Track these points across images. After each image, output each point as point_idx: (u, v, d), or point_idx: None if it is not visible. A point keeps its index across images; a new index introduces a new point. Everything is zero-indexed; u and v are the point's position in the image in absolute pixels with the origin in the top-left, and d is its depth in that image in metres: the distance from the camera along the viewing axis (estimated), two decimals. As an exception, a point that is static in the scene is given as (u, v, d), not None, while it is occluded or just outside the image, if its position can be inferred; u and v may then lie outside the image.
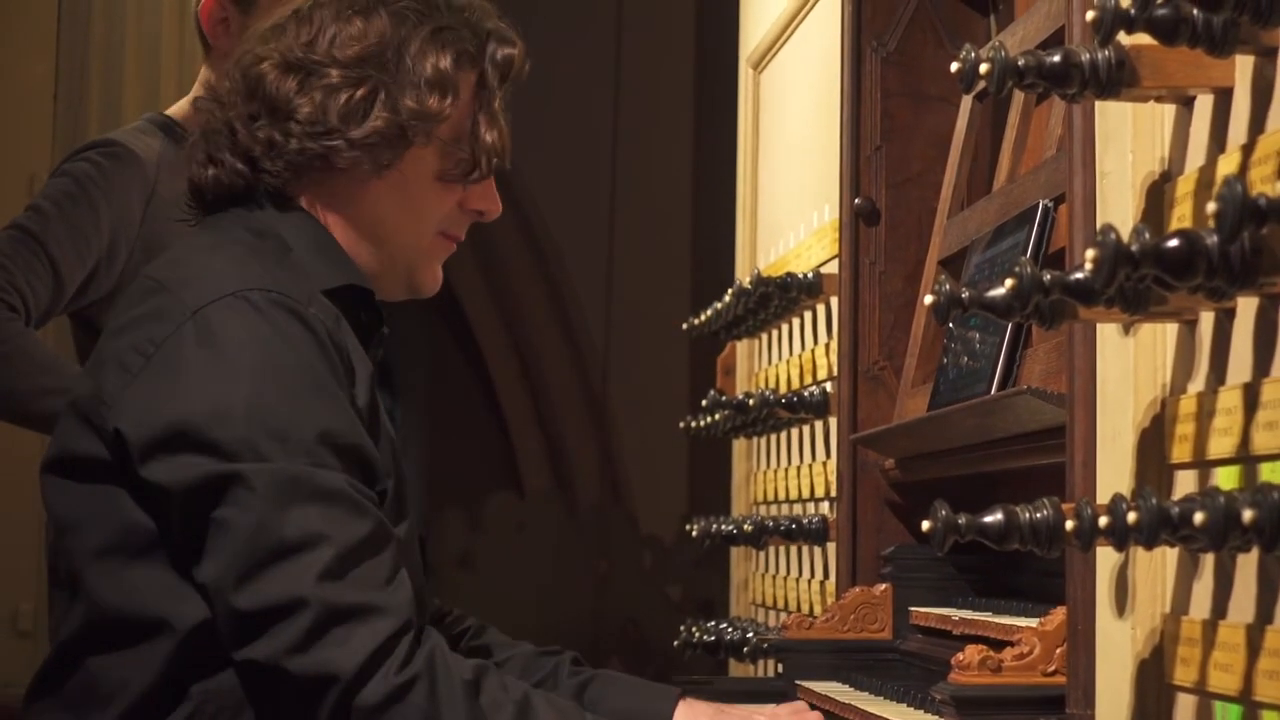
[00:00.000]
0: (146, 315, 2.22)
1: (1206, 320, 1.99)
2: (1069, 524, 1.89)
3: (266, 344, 2.13)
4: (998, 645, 2.49)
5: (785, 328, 4.14)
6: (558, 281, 10.90)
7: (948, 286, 2.00)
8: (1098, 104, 2.22)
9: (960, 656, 2.33)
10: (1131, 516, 1.71)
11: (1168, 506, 1.70)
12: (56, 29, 5.30)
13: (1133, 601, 2.11)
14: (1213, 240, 1.58)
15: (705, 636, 3.86)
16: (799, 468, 3.97)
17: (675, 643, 3.87)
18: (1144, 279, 1.68)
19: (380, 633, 2.07)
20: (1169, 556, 2.06)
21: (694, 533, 3.96)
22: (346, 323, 2.25)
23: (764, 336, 4.37)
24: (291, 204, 2.33)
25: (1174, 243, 1.59)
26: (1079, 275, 1.84)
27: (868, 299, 3.48)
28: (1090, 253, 1.65)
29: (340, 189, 2.34)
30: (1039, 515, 1.95)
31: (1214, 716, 1.94)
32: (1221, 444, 1.91)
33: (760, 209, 4.63)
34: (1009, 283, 1.90)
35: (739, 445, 4.65)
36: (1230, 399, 1.89)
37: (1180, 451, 2.01)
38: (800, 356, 3.98)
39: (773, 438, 4.24)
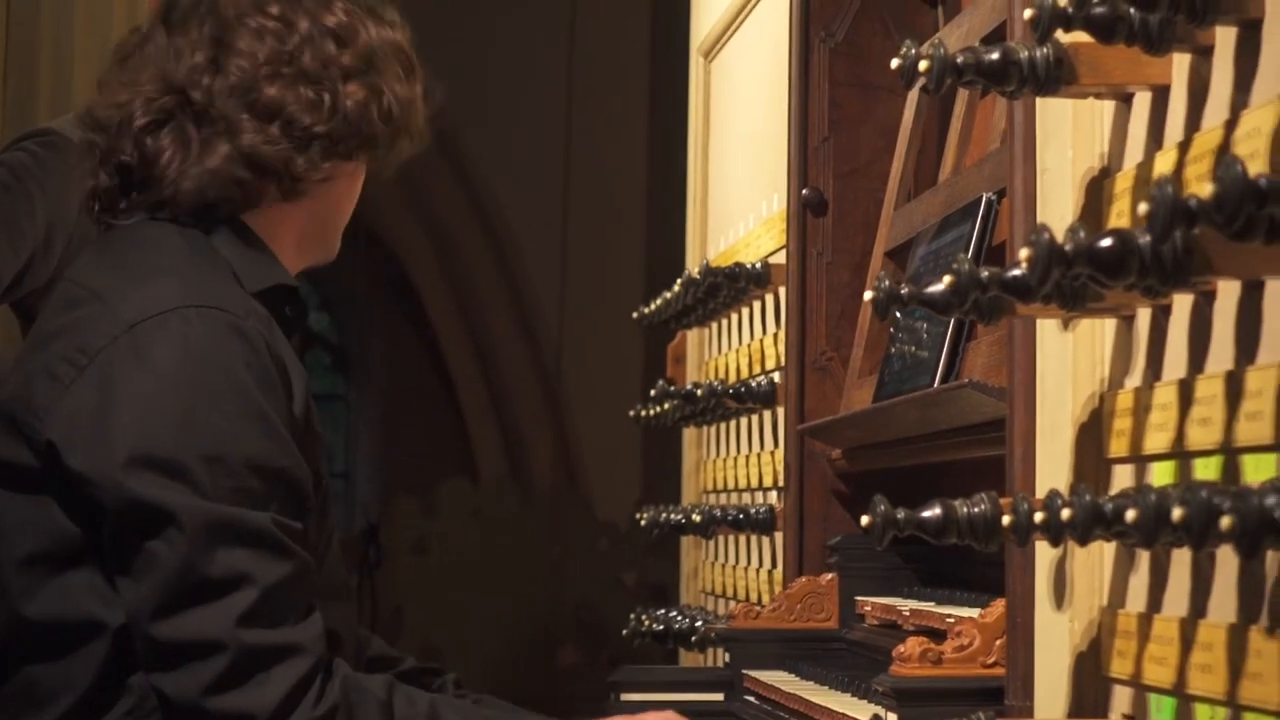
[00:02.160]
0: (78, 324, 2.19)
1: (1144, 316, 2.00)
2: (1005, 519, 1.90)
3: (202, 364, 2.11)
4: (941, 636, 2.50)
5: (735, 317, 4.15)
6: (513, 268, 10.90)
7: (887, 283, 2.01)
8: (1039, 100, 2.23)
9: (901, 648, 2.35)
10: (1065, 513, 1.73)
11: (1102, 503, 1.71)
12: (6, 19, 5.27)
13: (1071, 595, 2.13)
14: (1146, 239, 1.59)
15: (654, 625, 3.87)
16: (747, 457, 3.98)
17: (624, 631, 3.88)
18: (1079, 277, 1.69)
19: (297, 670, 2.07)
20: (1106, 551, 2.07)
21: (643, 521, 3.97)
22: (278, 326, 2.24)
23: (714, 326, 4.37)
24: (216, 211, 2.28)
25: (1107, 242, 1.60)
26: (1016, 273, 1.86)
27: (815, 289, 3.50)
28: (1024, 252, 1.66)
29: (265, 203, 2.32)
30: (976, 510, 1.96)
31: (1149, 708, 1.96)
32: (1157, 439, 1.93)
33: (711, 198, 4.64)
34: (947, 279, 1.91)
35: (689, 434, 4.66)
36: (1165, 395, 1.91)
37: (1118, 446, 2.03)
38: (749, 346, 3.98)
39: (722, 427, 4.25)
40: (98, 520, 2.12)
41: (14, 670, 2.18)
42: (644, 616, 3.98)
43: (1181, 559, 1.89)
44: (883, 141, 3.50)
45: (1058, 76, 1.93)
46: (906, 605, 2.94)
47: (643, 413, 4.24)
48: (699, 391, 3.79)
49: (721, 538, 4.24)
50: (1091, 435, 2.10)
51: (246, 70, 2.25)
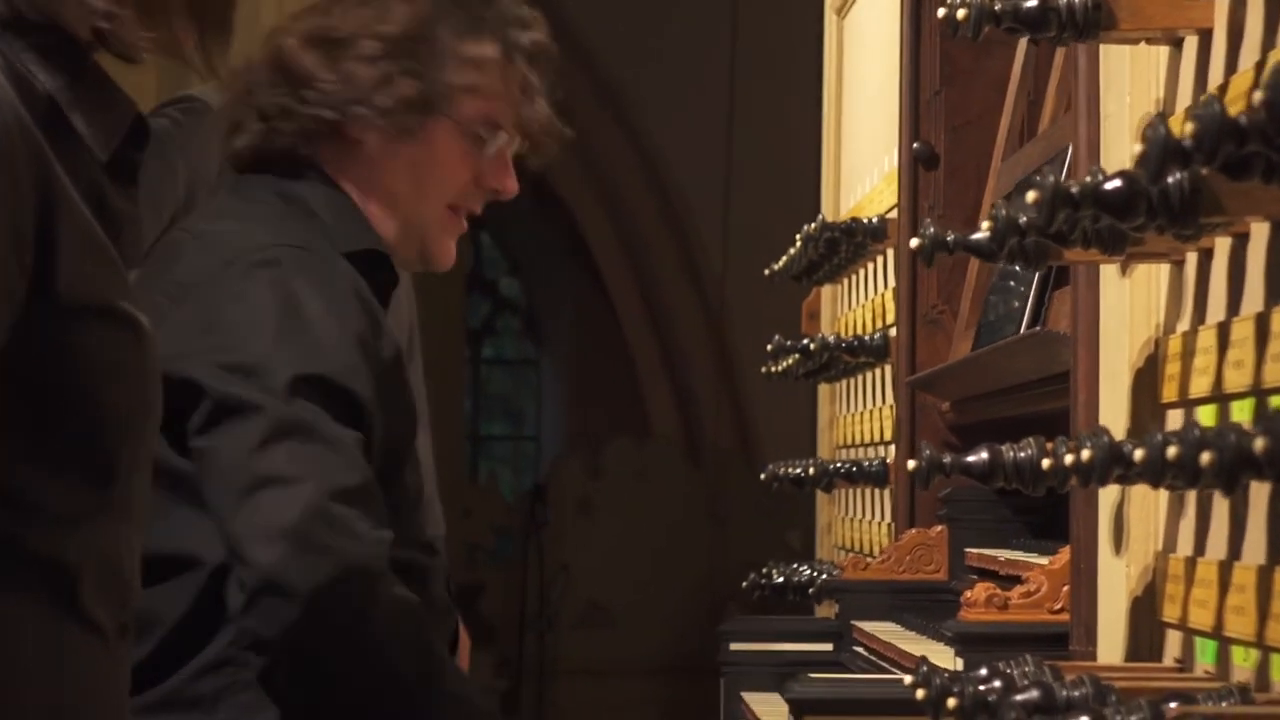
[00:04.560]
0: (177, 264, 2.33)
1: (1191, 261, 2.00)
2: (1045, 462, 1.91)
3: (287, 295, 2.23)
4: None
5: (861, 273, 4.16)
6: (683, 226, 10.94)
7: (931, 229, 2.03)
8: (1101, 48, 2.23)
9: (969, 594, 2.37)
10: (1086, 454, 1.74)
11: (1121, 445, 1.72)
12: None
13: (1127, 540, 2.13)
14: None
15: (776, 579, 3.90)
16: (871, 412, 3.99)
17: (744, 584, 3.91)
18: (1099, 219, 1.70)
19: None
20: (1161, 495, 2.08)
21: (763, 477, 4.00)
22: (366, 284, 2.33)
23: (845, 282, 4.39)
24: (311, 170, 2.40)
25: (1114, 184, 1.61)
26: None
27: (926, 243, 3.49)
28: (1031, 194, 1.67)
29: (360, 158, 2.40)
30: (1022, 455, 1.98)
31: (1195, 652, 1.96)
32: (1200, 383, 1.93)
33: (843, 155, 4.65)
34: (985, 225, 1.92)
35: (823, 390, 4.68)
36: (1207, 339, 1.91)
37: (1169, 391, 2.03)
38: (872, 301, 3.99)
39: (850, 382, 4.26)
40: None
41: None
42: (769, 570, 4.01)
43: (1223, 502, 1.89)
44: (994, 94, 3.49)
45: (1096, 21, 1.93)
46: (1003, 554, 2.95)
47: (771, 369, 4.27)
48: (812, 346, 3.81)
49: (851, 492, 4.26)
50: (1147, 381, 2.10)
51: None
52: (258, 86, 2.41)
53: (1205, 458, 1.41)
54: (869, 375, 4.06)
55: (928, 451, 2.00)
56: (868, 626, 3.22)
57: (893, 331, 3.69)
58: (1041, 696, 1.75)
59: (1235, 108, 1.84)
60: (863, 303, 4.13)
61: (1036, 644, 2.28)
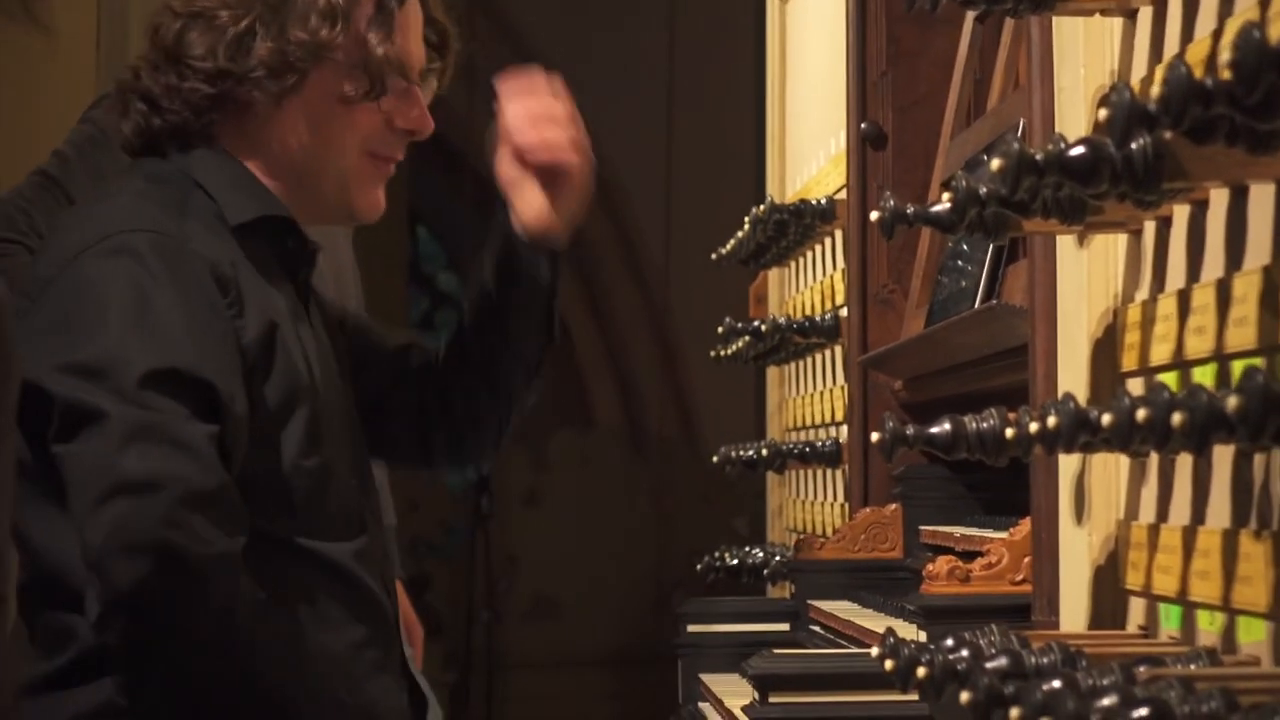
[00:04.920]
0: (37, 260, 2.35)
1: (1149, 230, 2.01)
2: (1008, 432, 1.92)
3: (136, 285, 2.21)
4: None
5: (809, 255, 4.17)
6: (620, 214, 10.94)
7: (891, 203, 2.04)
8: (1054, 20, 2.24)
9: (930, 568, 2.38)
10: (1051, 421, 1.75)
11: (1086, 411, 1.73)
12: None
13: (1089, 509, 2.15)
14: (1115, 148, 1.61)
15: (729, 561, 3.91)
16: (822, 393, 4.01)
17: (698, 567, 3.92)
18: (1061, 186, 1.71)
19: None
20: (1121, 463, 2.09)
21: (715, 459, 4.01)
22: (246, 255, 2.30)
23: (792, 265, 4.40)
24: (202, 143, 2.37)
25: (1078, 150, 1.62)
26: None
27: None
28: (995, 162, 1.68)
29: (248, 125, 2.37)
30: (985, 425, 1.99)
31: (1159, 618, 1.98)
32: (1160, 351, 1.94)
33: (788, 138, 4.66)
34: (945, 196, 1.93)
35: (772, 373, 4.69)
36: (1167, 306, 1.92)
37: (1129, 360, 2.04)
38: (820, 283, 4.01)
39: (799, 364, 4.28)
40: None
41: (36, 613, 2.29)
42: (721, 554, 4.02)
43: (1184, 468, 1.90)
44: (940, 74, 3.50)
45: (1053, -10, 1.94)
46: (958, 530, 2.96)
47: (721, 352, 4.28)
48: (763, 328, 3.82)
49: (801, 474, 4.28)
50: (1106, 351, 2.11)
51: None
52: (143, 69, 2.38)
53: (1176, 419, 1.42)
54: (819, 357, 4.07)
55: (890, 424, 2.01)
56: (825, 605, 3.23)
57: (843, 312, 3.70)
58: (1011, 663, 1.75)
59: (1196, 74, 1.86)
60: (811, 284, 4.14)
61: (999, 615, 2.29)
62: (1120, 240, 2.10)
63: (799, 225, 3.83)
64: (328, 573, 2.29)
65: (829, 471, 3.89)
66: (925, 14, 3.54)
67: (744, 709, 2.57)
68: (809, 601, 3.32)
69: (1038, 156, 1.64)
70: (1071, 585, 2.19)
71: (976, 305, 2.75)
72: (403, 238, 11.03)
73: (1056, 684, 1.55)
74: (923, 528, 3.25)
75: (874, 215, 2.03)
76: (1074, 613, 2.19)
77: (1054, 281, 2.25)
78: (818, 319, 3.69)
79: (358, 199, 2.41)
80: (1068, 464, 2.20)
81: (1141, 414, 1.52)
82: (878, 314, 3.51)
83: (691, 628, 3.41)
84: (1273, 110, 1.37)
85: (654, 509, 9.84)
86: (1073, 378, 2.20)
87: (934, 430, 2.00)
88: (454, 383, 2.59)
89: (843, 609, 3.17)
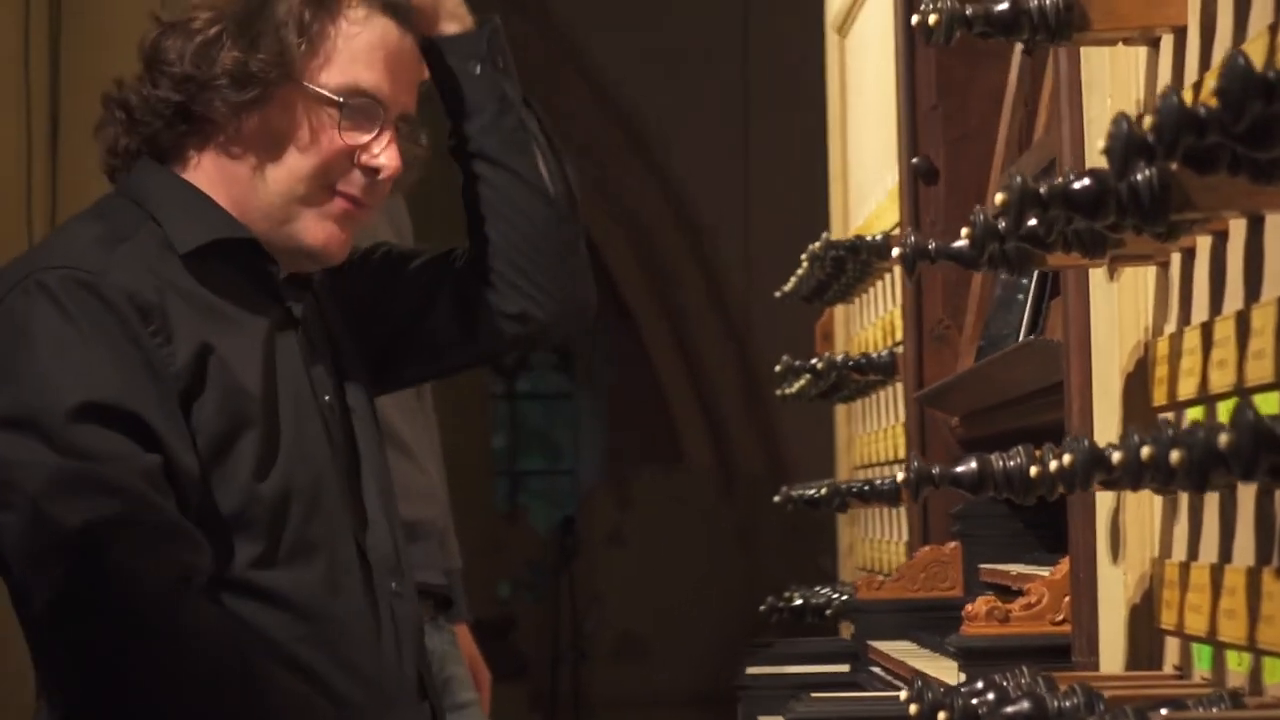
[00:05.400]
0: None
1: (1175, 262, 1.98)
2: (1033, 470, 1.89)
3: (51, 324, 2.20)
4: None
5: (871, 291, 4.14)
6: (706, 254, 10.94)
7: (913, 238, 2.01)
8: (1082, 50, 2.21)
9: (969, 608, 2.34)
10: (1067, 459, 1.71)
11: (1101, 449, 1.70)
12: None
13: (1124, 547, 2.10)
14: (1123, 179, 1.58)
15: (795, 601, 3.88)
16: (884, 430, 3.97)
17: (761, 608, 3.89)
18: (1071, 220, 1.68)
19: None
20: (1155, 501, 2.05)
21: (776, 500, 3.97)
22: (201, 280, 2.28)
23: (857, 301, 4.37)
24: (151, 162, 2.35)
25: (1083, 183, 1.59)
26: (1031, 222, 1.84)
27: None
28: (999, 196, 1.65)
29: (214, 138, 2.34)
30: (1012, 464, 1.95)
31: (1193, 659, 1.93)
32: (1187, 385, 1.90)
33: (849, 172, 4.63)
34: (964, 232, 1.90)
35: (840, 410, 4.65)
36: (1191, 339, 1.88)
37: (1159, 395, 2.00)
38: (881, 319, 3.97)
39: (865, 401, 4.24)
40: None
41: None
42: (789, 594, 3.98)
43: (1214, 505, 1.86)
44: (991, 107, 3.46)
45: (1069, 23, 1.91)
46: (1014, 569, 2.92)
47: (785, 391, 4.24)
48: (819, 365, 3.79)
49: (869, 513, 4.24)
50: (1137, 386, 2.07)
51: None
52: (126, 79, 2.37)
53: (1174, 456, 1.38)
54: (882, 394, 4.03)
55: (915, 464, 1.98)
56: (883, 646, 3.19)
57: (900, 349, 3.66)
58: (1032, 707, 1.72)
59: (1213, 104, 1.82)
60: (873, 321, 4.10)
61: (1039, 656, 2.25)
62: (1149, 273, 2.06)
63: (856, 261, 3.80)
64: (289, 609, 2.26)
65: (891, 510, 3.85)
66: (973, 47, 3.53)
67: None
68: (868, 642, 3.29)
69: (1041, 190, 1.61)
70: (1109, 625, 2.15)
71: (1020, 339, 2.72)
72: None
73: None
74: (982, 566, 3.21)
75: (895, 252, 2.00)
76: (1113, 653, 2.14)
77: (1087, 315, 2.21)
78: (875, 355, 3.65)
79: (306, 231, 2.34)
80: (1103, 502, 2.16)
81: (1146, 452, 1.48)
82: (933, 350, 3.47)
83: (751, 669, 3.37)
84: (1262, 138, 1.33)
85: (740, 547, 9.80)
86: (1107, 413, 2.16)
87: (959, 469, 1.97)
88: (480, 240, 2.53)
89: (900, 649, 3.13)
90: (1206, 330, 1.83)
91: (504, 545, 9.35)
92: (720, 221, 10.65)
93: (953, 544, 3.31)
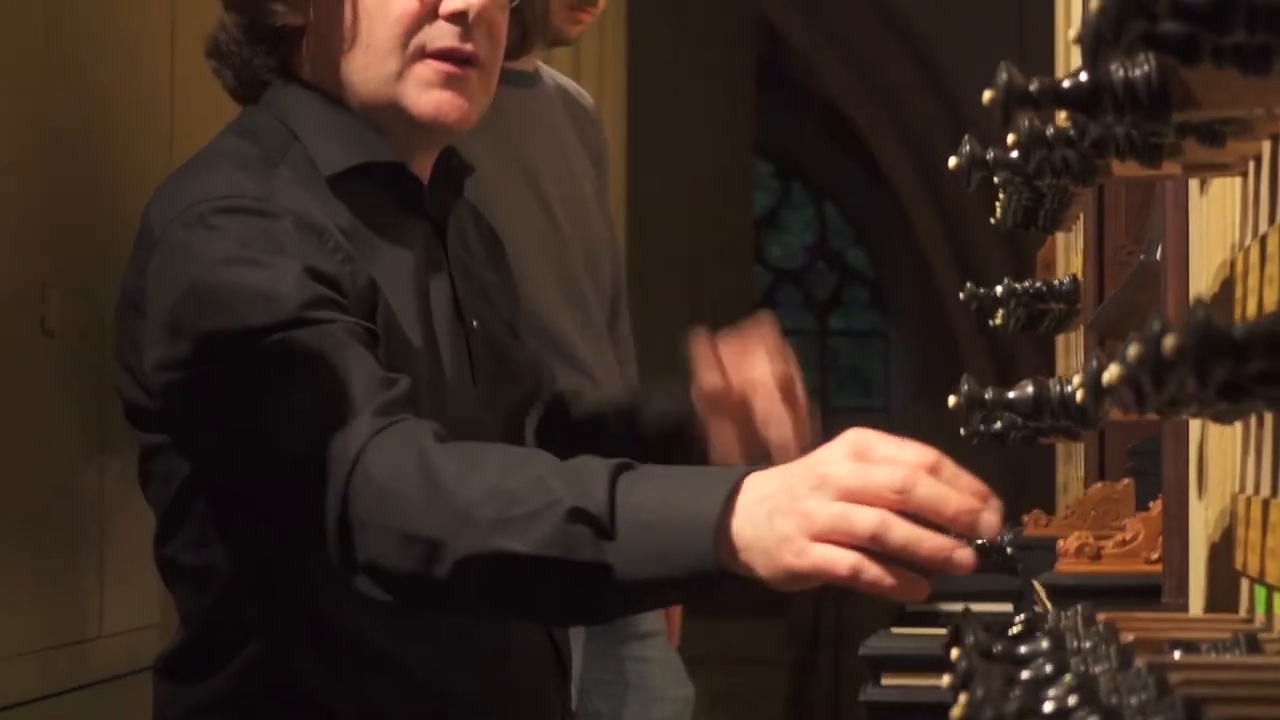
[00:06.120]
0: (137, 245, 2.22)
1: (1252, 171, 1.82)
2: (1079, 395, 1.76)
3: (222, 249, 2.09)
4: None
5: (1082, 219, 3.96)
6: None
7: (967, 148, 1.89)
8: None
9: (1062, 544, 2.20)
10: (1108, 374, 1.57)
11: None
12: None
13: (1206, 481, 1.96)
14: (1120, 74, 1.44)
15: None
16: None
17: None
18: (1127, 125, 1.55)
19: None
20: (1236, 429, 1.90)
21: (963, 432, 3.82)
22: (347, 206, 2.19)
23: (1075, 229, 4.19)
24: (288, 80, 2.26)
25: (1073, 80, 1.46)
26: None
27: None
28: (986, 94, 1.52)
29: (299, 52, 2.26)
30: (1068, 388, 1.83)
31: (1255, 601, 1.79)
32: (1251, 305, 1.75)
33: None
34: (1010, 138, 1.77)
35: (1060, 342, 4.49)
36: (1255, 254, 1.73)
37: (1238, 313, 1.85)
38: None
39: (1074, 335, 4.07)
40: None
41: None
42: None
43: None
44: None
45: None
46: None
47: (992, 322, 4.09)
48: (999, 292, 3.63)
49: (1077, 449, 4.08)
50: (1222, 304, 1.92)
51: None
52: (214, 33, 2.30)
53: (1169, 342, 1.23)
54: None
55: (966, 386, 1.86)
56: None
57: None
58: (1052, 645, 1.60)
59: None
60: (1081, 248, 3.93)
61: (1129, 596, 2.12)
62: (1234, 184, 1.90)
63: (1054, 187, 3.62)
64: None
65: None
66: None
67: (861, 690, 2.43)
68: (1034, 580, 3.15)
69: (1031, 88, 1.48)
70: (1196, 564, 2.01)
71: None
72: (746, 180, 10.83)
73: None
74: (1151, 503, 3.05)
75: (951, 162, 1.87)
76: (1198, 594, 2.00)
77: (1185, 232, 2.06)
78: (1055, 283, 3.49)
79: (417, 105, 2.21)
80: (1193, 430, 2.01)
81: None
82: (1115, 276, 3.30)
83: (911, 607, 3.26)
84: (1219, 20, 1.19)
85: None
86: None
87: (1013, 394, 1.85)
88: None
89: (1059, 588, 2.99)
90: (1263, 243, 1.68)
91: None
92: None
93: (1126, 480, 3.15)
